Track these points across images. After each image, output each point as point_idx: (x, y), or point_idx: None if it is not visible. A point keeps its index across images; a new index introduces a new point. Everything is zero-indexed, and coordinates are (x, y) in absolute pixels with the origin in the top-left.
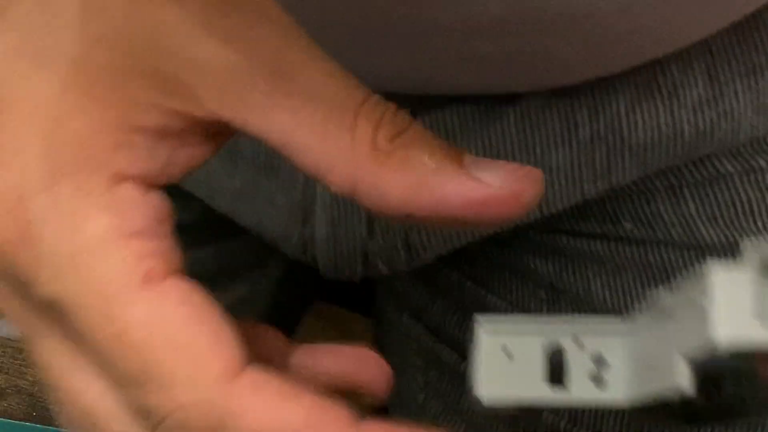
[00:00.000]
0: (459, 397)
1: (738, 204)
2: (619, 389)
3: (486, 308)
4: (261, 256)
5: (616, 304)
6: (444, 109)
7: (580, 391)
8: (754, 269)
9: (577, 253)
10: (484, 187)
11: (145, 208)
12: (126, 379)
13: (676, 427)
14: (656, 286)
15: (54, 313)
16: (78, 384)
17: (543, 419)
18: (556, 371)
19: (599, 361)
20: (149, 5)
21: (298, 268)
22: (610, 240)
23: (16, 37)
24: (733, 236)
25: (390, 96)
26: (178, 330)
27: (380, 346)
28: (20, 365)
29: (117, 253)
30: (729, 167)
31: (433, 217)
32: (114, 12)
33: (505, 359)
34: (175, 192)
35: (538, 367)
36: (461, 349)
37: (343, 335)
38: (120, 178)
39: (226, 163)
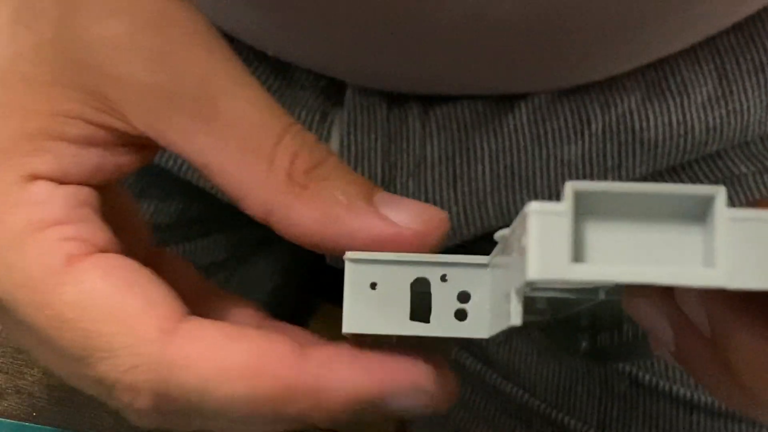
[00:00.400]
0: (485, 405)
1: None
2: (480, 324)
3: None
4: (259, 246)
5: None
6: (456, 103)
7: (442, 325)
8: (570, 208)
9: None
10: (390, 226)
11: (59, 200)
12: (74, 357)
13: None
14: None
15: (1, 309)
16: (48, 362)
17: (554, 418)
18: (421, 305)
19: (463, 296)
20: (82, 20)
21: (298, 265)
22: None
23: None
24: None
25: (402, 96)
26: (107, 301)
27: None
28: (20, 365)
29: (36, 244)
30: (743, 168)
31: (341, 250)
32: (45, 25)
33: (371, 292)
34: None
35: (403, 300)
36: (484, 356)
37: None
38: (33, 178)
39: None
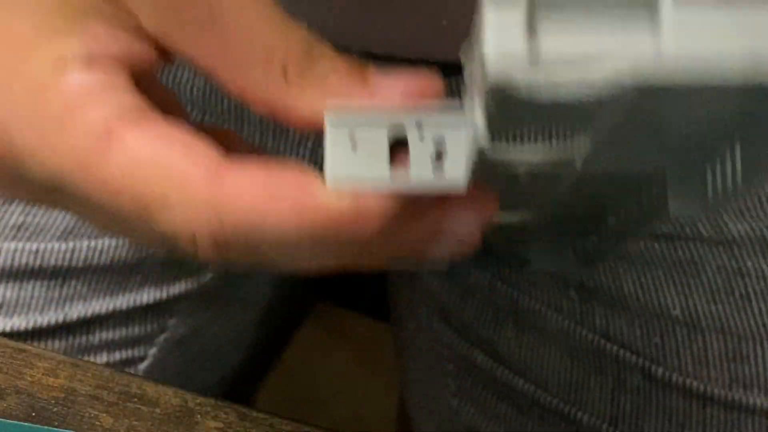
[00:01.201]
0: (495, 403)
1: (764, 197)
2: (457, 175)
3: (518, 309)
4: None
5: (648, 302)
6: (450, 78)
7: (420, 176)
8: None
9: None
10: (388, 101)
11: (93, 75)
12: (134, 219)
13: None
14: (687, 282)
15: (57, 192)
16: (110, 228)
17: (566, 413)
18: (399, 158)
19: (440, 148)
20: None
21: None
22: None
23: None
24: (761, 229)
25: (396, 60)
26: (152, 160)
27: (405, 351)
28: (20, 365)
29: (76, 121)
30: None
31: None
32: None
33: (350, 147)
34: None
35: (382, 154)
36: (495, 353)
37: (346, 338)
38: (68, 58)
39: (232, 126)
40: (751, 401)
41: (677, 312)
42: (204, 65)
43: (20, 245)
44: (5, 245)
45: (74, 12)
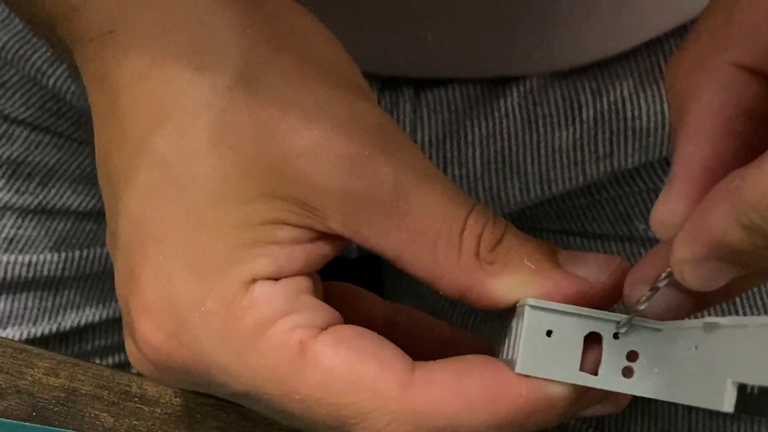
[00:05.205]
0: None
1: None
2: (645, 383)
3: (503, 313)
4: None
5: None
6: (447, 88)
7: (609, 379)
8: None
9: None
10: (581, 282)
11: (279, 295)
12: (329, 427)
13: None
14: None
15: (250, 399)
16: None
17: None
18: (591, 358)
19: (632, 355)
20: (280, 133)
21: None
22: (624, 241)
23: (155, 176)
24: None
25: (394, 80)
26: (346, 373)
27: None
28: (20, 365)
29: (269, 340)
30: None
31: None
32: (246, 143)
33: (545, 338)
34: None
35: (575, 351)
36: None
37: None
38: (253, 281)
39: None
40: None
41: None
42: (392, 254)
43: (13, 257)
44: None
45: (264, 227)
